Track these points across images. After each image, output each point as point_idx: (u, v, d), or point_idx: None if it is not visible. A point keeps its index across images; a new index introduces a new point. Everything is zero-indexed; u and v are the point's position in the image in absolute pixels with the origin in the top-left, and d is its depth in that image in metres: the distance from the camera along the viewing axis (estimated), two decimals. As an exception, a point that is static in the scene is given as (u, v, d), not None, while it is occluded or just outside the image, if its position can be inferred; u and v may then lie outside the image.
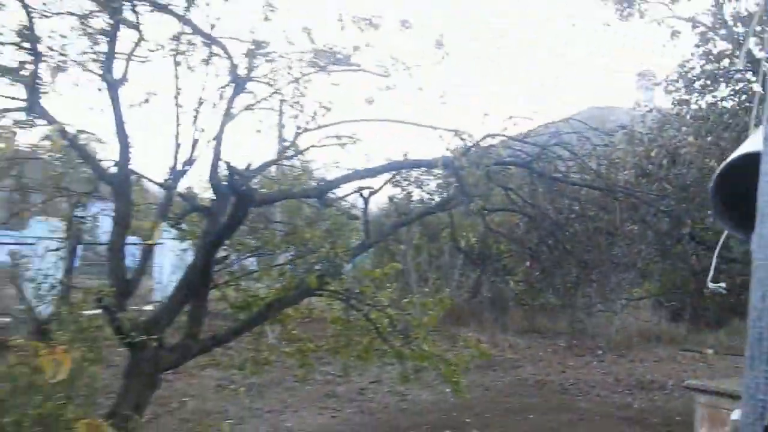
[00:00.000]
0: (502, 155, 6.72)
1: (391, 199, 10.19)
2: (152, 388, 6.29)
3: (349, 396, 10.96)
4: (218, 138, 6.28)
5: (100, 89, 6.08)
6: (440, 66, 6.43)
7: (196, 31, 6.12)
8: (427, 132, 6.47)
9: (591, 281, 9.82)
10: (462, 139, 6.13)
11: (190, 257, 8.66)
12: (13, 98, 5.85)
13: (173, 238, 7.85)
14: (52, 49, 5.96)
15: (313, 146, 6.56)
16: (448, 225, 8.37)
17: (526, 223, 8.72)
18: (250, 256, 7.44)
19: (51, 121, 5.93)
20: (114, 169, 6.20)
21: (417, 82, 6.50)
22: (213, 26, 6.09)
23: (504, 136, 6.68)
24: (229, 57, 6.27)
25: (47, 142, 6.03)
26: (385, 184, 7.09)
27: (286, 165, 7.50)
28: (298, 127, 6.47)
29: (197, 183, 7.29)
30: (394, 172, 7.45)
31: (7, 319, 11.00)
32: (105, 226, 7.67)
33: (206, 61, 6.24)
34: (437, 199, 9.77)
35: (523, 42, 56.69)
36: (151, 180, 6.70)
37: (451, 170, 5.98)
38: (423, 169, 8.12)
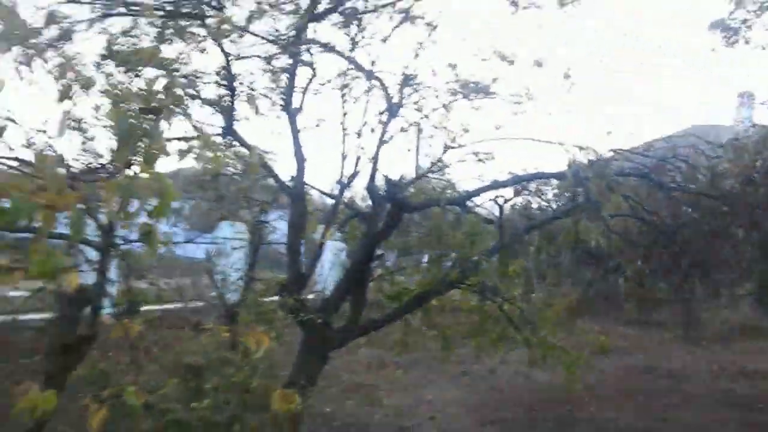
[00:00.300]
0: (623, 167, 6.50)
1: (513, 206, 10.03)
2: (322, 364, 6.47)
3: (481, 375, 10.86)
4: (376, 155, 6.40)
5: (278, 117, 6.34)
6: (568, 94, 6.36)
7: (359, 67, 6.25)
8: (543, 146, 6.37)
9: (700, 278, 9.30)
10: (587, 153, 5.97)
11: (344, 255, 8.84)
12: (213, 125, 6.22)
13: (331, 239, 8.03)
14: (242, 84, 6.28)
15: (459, 161, 6.58)
16: (565, 229, 8.12)
17: (639, 227, 8.36)
18: (401, 255, 7.51)
19: (243, 143, 6.24)
20: (291, 183, 6.43)
21: (545, 106, 6.47)
22: (373, 63, 6.21)
23: (625, 150, 6.46)
24: (385, 89, 6.37)
25: (240, 160, 6.36)
26: (517, 194, 6.99)
27: (429, 177, 7.54)
28: (445, 146, 6.50)
29: (353, 193, 7.47)
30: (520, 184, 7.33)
31: (202, 304, 11.58)
32: (281, 229, 7.94)
33: (367, 92, 6.37)
34: (554, 206, 9.53)
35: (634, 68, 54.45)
36: (321, 191, 6.90)
37: (577, 181, 5.83)
38: (543, 180, 7.95)
